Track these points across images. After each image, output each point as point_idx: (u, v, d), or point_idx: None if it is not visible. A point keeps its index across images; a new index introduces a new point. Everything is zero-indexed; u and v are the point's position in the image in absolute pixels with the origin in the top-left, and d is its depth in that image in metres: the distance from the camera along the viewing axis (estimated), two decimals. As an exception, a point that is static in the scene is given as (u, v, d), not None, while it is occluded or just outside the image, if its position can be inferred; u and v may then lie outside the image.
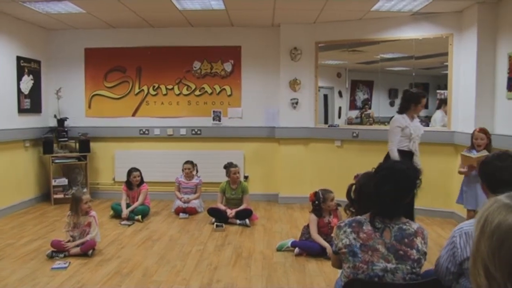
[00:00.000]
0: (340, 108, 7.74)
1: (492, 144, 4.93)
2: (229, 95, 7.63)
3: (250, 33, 7.54)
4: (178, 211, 6.56)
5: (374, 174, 2.39)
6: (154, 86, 7.67)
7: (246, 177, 7.56)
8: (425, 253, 2.26)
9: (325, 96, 7.88)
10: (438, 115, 6.79)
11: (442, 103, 6.74)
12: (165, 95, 7.66)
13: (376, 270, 2.21)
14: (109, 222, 6.18)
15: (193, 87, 7.63)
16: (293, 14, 6.68)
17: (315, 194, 4.93)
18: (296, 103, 7.34)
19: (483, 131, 4.90)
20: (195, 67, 7.62)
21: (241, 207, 6.20)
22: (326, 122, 7.64)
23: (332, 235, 2.34)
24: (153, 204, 6.98)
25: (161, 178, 7.47)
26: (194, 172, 6.91)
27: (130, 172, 6.50)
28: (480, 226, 1.17)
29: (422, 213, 6.09)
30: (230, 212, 6.10)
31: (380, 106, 7.42)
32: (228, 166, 6.40)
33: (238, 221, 6.04)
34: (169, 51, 7.61)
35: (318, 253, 4.71)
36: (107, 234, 5.58)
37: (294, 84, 7.32)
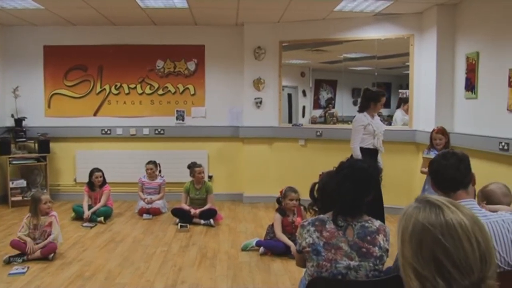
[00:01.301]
0: (304, 107, 7.77)
1: (450, 143, 5.07)
2: (193, 95, 7.58)
3: (214, 32, 7.50)
4: (141, 212, 6.48)
5: (336, 173, 2.41)
6: (116, 85, 7.53)
7: (210, 177, 7.54)
8: (387, 250, 2.28)
9: (289, 96, 7.89)
10: (398, 114, 6.90)
11: (402, 102, 6.87)
12: (127, 94, 7.54)
13: (340, 268, 2.22)
14: (70, 225, 6.03)
15: (156, 86, 7.55)
16: (257, 13, 6.67)
17: (282, 189, 5.00)
18: (260, 102, 7.35)
19: (441, 131, 5.01)
20: (158, 66, 7.54)
21: (206, 207, 6.18)
22: (290, 121, 7.66)
23: (296, 234, 2.37)
24: (116, 205, 6.86)
25: (124, 179, 7.36)
26: (157, 172, 6.86)
27: (92, 173, 6.38)
28: (400, 236, 1.24)
29: (386, 210, 6.14)
30: (194, 212, 6.07)
31: (344, 105, 7.49)
32: (192, 166, 6.36)
33: (202, 221, 6.01)
34: (132, 50, 7.48)
35: (282, 252, 4.73)
36: (69, 236, 5.45)
37: (258, 84, 7.34)
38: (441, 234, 1.15)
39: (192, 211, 6.09)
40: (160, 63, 7.55)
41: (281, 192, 5.05)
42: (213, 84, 7.59)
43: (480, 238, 1.16)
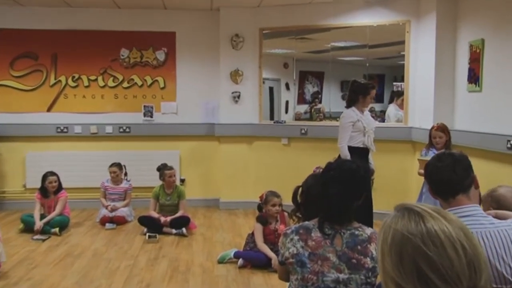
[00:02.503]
0: (287, 102, 7.80)
1: (451, 141, 5.06)
2: (162, 88, 7.54)
3: (186, 17, 7.46)
4: (104, 221, 6.42)
5: (322, 175, 2.43)
6: (74, 77, 7.41)
7: (182, 181, 7.52)
8: None
9: (271, 89, 7.92)
10: (390, 109, 6.94)
11: (395, 96, 6.90)
12: (87, 87, 7.43)
13: (327, 281, 2.22)
14: (17, 238, 5.89)
15: (121, 78, 7.47)
16: (235, -5, 6.66)
17: (263, 194, 5.03)
18: (238, 96, 7.35)
19: (441, 129, 5.01)
20: (122, 56, 7.45)
21: (177, 215, 6.17)
22: (271, 118, 7.69)
23: (278, 243, 2.40)
24: (74, 214, 6.77)
25: (84, 183, 7.28)
26: (122, 176, 6.83)
27: (45, 177, 6.26)
28: (380, 249, 1.27)
29: (378, 216, 6.09)
30: (165, 220, 6.05)
31: (332, 99, 7.53)
32: (162, 168, 6.34)
33: (174, 231, 6.01)
34: (92, 36, 7.37)
35: (264, 264, 4.74)
36: (15, 252, 5.29)
37: (235, 76, 7.33)
38: (422, 242, 1.18)
39: (162, 219, 6.07)
40: (124, 52, 7.46)
41: (261, 197, 5.08)
42: (185, 76, 7.57)
43: (466, 244, 1.18)
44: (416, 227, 1.21)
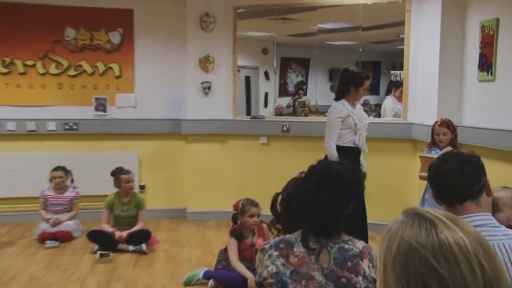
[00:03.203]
0: (266, 94, 7.90)
1: (458, 139, 5.10)
2: (118, 77, 7.47)
3: (146, -9, 7.48)
4: (43, 237, 6.31)
5: (305, 180, 2.47)
6: (4, 62, 7.25)
7: (142, 187, 7.52)
8: (374, 280, 2.30)
9: (247, 79, 8.05)
10: (387, 102, 7.04)
11: (392, 87, 6.94)
12: (22, 74, 7.29)
13: None
14: None
15: (66, 64, 7.36)
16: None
17: (238, 202, 5.05)
18: (209, 87, 7.34)
19: (446, 124, 5.05)
20: (67, 37, 7.34)
21: (136, 228, 6.15)
22: (248, 113, 7.75)
23: (255, 260, 2.44)
24: (5, 230, 6.62)
25: (18, 193, 7.15)
26: (68, 182, 6.73)
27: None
28: (382, 260, 1.28)
29: (373, 228, 6.14)
30: (120, 235, 6.00)
31: (319, 91, 7.61)
32: (118, 173, 6.29)
33: (131, 247, 5.99)
34: (29, 12, 7.21)
35: (239, 285, 4.72)
36: None
37: (205, 63, 7.30)
38: (433, 256, 1.17)
39: (117, 233, 6.02)
40: (70, 32, 7.34)
41: (236, 206, 5.08)
42: (145, 63, 7.53)
43: (485, 262, 1.17)
44: (427, 237, 1.20)
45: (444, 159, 2.26)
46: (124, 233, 6.01)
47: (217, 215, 7.31)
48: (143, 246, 5.97)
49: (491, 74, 5.28)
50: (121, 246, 5.97)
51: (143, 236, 6.05)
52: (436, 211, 1.28)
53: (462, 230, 1.21)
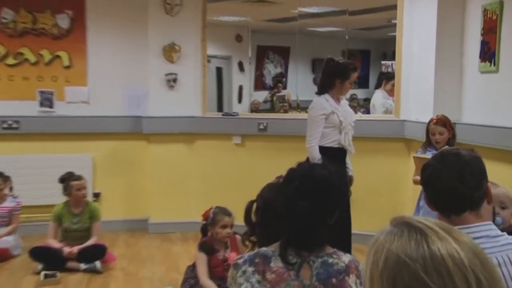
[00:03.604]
0: (240, 87, 7.96)
1: (456, 138, 5.09)
2: (67, 67, 7.39)
3: (101, -33, 7.46)
4: (-25, 256, 6.29)
5: (283, 185, 2.47)
6: None
7: (96, 195, 7.45)
8: None
9: (219, 70, 8.08)
10: (377, 97, 7.08)
11: (383, 79, 6.94)
12: None
13: None
14: None
15: (3, 51, 7.28)
16: None
17: (208, 211, 5.01)
18: (174, 80, 7.33)
19: (442, 122, 5.06)
20: (5, 19, 7.23)
21: (89, 243, 6.09)
22: (219, 109, 7.84)
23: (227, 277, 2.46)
24: None
25: None
26: (7, 191, 6.62)
27: None
28: (369, 274, 1.28)
29: (360, 239, 6.16)
30: (70, 252, 5.93)
31: (300, 84, 7.68)
32: (67, 179, 6.21)
33: (83, 266, 5.92)
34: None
35: None
36: None
37: (170, 52, 7.28)
38: (424, 270, 1.18)
39: (66, 250, 5.95)
40: (8, 14, 7.24)
41: (206, 215, 5.02)
42: (100, 51, 7.46)
43: (483, 276, 1.18)
44: (417, 249, 1.21)
45: (441, 159, 2.25)
46: (75, 249, 5.91)
47: (184, 227, 7.31)
48: (97, 263, 5.90)
49: (494, 65, 5.30)
50: (70, 264, 5.89)
51: (97, 252, 5.97)
52: (428, 219, 1.28)
53: (456, 241, 1.21)
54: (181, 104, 7.34)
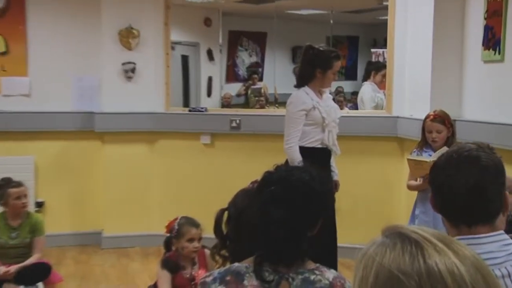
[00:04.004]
0: (210, 79, 7.94)
1: (456, 137, 5.10)
2: (3, 54, 7.37)
3: None
4: None
5: (258, 191, 2.47)
6: None
7: (39, 205, 7.39)
8: None
9: (185, 59, 8.08)
10: (366, 89, 7.12)
11: (372, 70, 6.96)
12: None
13: None
14: None
15: None
16: None
17: (173, 222, 4.97)
18: (132, 70, 7.32)
19: (440, 118, 5.07)
20: None
21: (29, 261, 5.91)
22: (186, 104, 7.82)
23: None
24: None
25: None
26: None
27: None
28: None
29: (346, 253, 6.19)
30: (6, 271, 5.76)
31: (278, 75, 7.66)
32: (4, 186, 6.03)
33: None
34: None
35: None
36: None
37: (128, 37, 7.26)
38: (419, 287, 1.17)
39: (2, 269, 5.79)
40: None
41: (170, 227, 4.93)
42: (43, 35, 7.41)
43: None
44: (412, 264, 1.20)
45: (457, 165, 2.17)
46: (12, 268, 5.74)
47: (144, 240, 7.32)
48: (40, 285, 5.84)
49: (499, 53, 5.31)
50: (7, 286, 5.80)
51: (40, 272, 5.79)
52: (424, 229, 1.27)
53: (456, 255, 1.21)
54: (140, 98, 7.33)
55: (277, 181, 2.40)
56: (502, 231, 2.15)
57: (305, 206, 2.34)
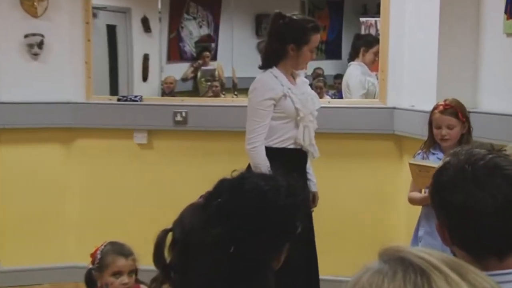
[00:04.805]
0: (146, 57, 7.92)
1: (472, 134, 5.16)
2: None
3: None
4: None
5: (205, 205, 2.48)
6: None
7: None
8: None
9: (111, 30, 8.06)
10: (353, 71, 7.11)
11: (361, 46, 7.00)
12: None
13: None
14: None
15: None
16: None
17: (97, 249, 4.95)
18: (39, 45, 7.33)
19: (452, 109, 5.11)
20: None
21: None
22: (114, 91, 7.87)
23: None
24: None
25: None
26: None
27: None
28: None
29: (329, 286, 6.25)
30: None
31: (237, 53, 7.64)
32: None
33: None
34: None
35: None
36: None
37: (32, 0, 7.23)
38: None
39: None
40: None
41: (93, 256, 4.92)
42: None
43: None
44: None
45: (475, 179, 2.15)
46: None
47: (56, 275, 7.33)
48: None
49: (527, 23, 5.40)
50: None
51: None
52: (432, 253, 1.28)
53: (469, 284, 1.22)
54: (50, 83, 7.33)
55: (226, 190, 2.43)
56: None
57: (259, 225, 2.34)
